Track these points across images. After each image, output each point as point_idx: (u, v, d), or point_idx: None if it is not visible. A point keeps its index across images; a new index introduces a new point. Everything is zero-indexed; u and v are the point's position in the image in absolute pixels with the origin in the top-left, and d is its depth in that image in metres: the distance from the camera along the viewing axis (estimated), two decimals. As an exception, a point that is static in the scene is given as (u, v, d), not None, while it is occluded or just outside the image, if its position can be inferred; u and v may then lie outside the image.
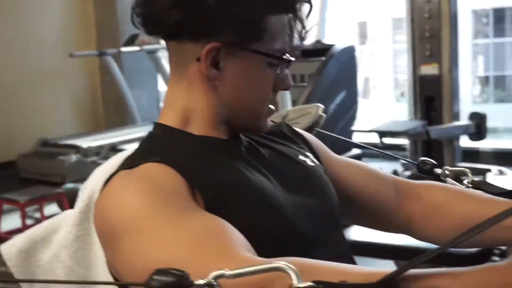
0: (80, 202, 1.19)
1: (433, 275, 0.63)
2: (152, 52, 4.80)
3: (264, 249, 0.83)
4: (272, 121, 1.31)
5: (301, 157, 1.12)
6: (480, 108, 5.32)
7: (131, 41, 4.84)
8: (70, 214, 1.18)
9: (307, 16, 1.04)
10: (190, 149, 1.00)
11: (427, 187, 1.16)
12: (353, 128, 4.90)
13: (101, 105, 5.50)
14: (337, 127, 4.48)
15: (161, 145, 1.03)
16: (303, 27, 1.03)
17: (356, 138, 4.92)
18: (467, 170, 1.18)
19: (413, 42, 5.07)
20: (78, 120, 5.37)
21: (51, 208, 4.03)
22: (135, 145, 1.09)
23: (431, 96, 5.01)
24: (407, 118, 5.25)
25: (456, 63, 5.04)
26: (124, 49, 4.81)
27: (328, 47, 4.69)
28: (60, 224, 1.18)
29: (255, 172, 1.01)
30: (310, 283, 0.63)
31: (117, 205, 0.89)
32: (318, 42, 4.95)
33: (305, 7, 1.04)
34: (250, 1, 0.99)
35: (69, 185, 3.92)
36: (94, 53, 5.01)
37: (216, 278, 0.64)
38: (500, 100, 15.59)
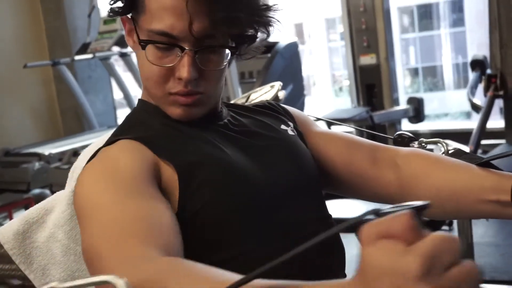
0: (71, 182, 1.17)
1: (277, 287, 0.56)
2: (105, 59, 4.73)
3: (233, 212, 0.92)
4: (235, 103, 1.30)
5: (283, 126, 1.11)
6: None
7: (83, 49, 4.76)
8: (63, 194, 1.15)
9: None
10: (163, 123, 1.02)
11: (406, 156, 1.06)
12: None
13: (59, 113, 5.39)
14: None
15: (138, 121, 1.05)
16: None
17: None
18: (442, 140, 1.12)
19: (351, 34, 5.16)
20: (38, 129, 5.24)
21: (20, 214, 3.91)
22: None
23: (371, 84, 5.12)
24: (351, 106, 5.34)
25: (392, 53, 5.18)
26: (78, 57, 4.71)
27: (273, 44, 4.72)
28: (54, 205, 1.15)
29: (229, 143, 1.01)
30: None
31: (78, 191, 0.91)
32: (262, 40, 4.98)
33: None
34: None
35: (36, 191, 3.85)
36: (47, 62, 4.90)
37: None
38: (429, 89, 16.00)
